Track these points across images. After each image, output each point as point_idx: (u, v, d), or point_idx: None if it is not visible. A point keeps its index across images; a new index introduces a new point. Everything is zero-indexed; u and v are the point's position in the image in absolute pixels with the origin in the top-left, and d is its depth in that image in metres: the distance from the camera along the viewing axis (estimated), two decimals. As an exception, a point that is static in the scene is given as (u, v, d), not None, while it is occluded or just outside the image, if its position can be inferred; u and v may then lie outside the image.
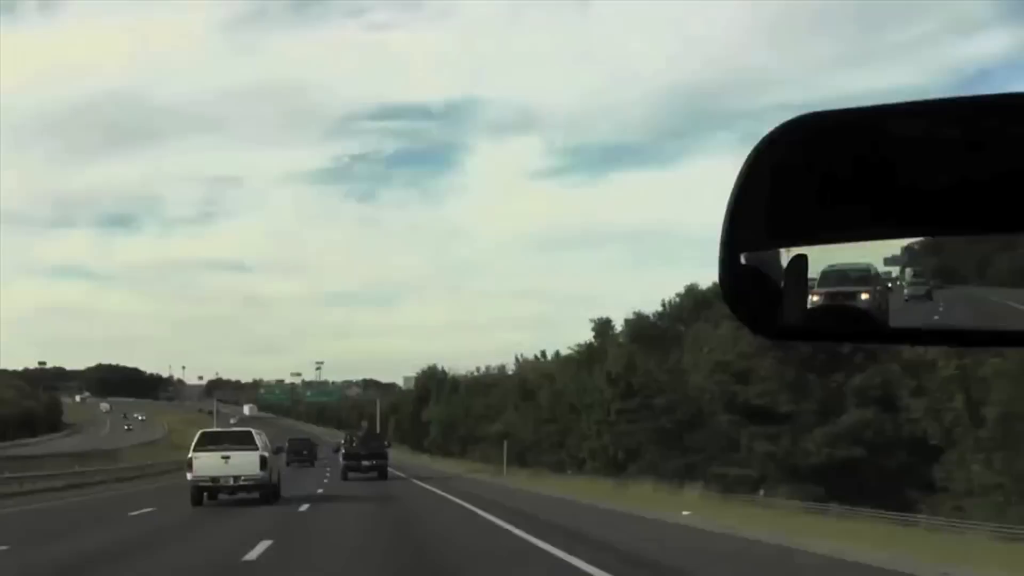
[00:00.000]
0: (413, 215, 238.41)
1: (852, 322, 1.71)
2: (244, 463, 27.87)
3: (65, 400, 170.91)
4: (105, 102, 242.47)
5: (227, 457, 27.83)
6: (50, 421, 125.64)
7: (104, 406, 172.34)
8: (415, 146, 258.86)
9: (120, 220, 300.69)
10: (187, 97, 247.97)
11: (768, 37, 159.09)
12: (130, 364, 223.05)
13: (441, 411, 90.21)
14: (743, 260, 1.58)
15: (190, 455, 28.33)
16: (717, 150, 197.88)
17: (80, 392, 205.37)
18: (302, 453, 67.41)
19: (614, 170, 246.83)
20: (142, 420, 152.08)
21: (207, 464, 27.75)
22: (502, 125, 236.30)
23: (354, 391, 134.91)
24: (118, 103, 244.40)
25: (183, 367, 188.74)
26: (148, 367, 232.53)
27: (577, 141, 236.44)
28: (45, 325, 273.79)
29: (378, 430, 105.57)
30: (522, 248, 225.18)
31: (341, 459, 46.98)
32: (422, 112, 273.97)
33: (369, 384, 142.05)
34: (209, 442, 28.66)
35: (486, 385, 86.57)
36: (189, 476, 28.14)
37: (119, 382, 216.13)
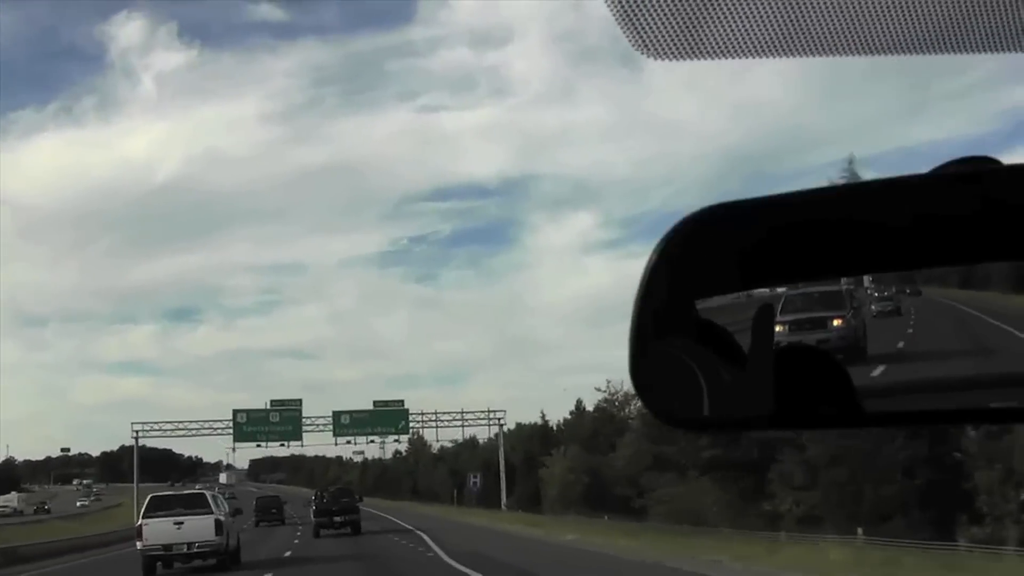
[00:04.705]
0: (473, 294, 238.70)
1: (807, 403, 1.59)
2: (198, 528, 26.16)
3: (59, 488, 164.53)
4: (162, 197, 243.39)
5: (180, 523, 26.09)
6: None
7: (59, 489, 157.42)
8: (472, 225, 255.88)
9: (180, 313, 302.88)
10: (244, 187, 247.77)
11: (818, 96, 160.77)
12: (162, 448, 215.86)
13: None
14: (656, 345, 1.55)
15: (140, 522, 26.65)
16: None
17: (87, 478, 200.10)
18: (271, 512, 65.53)
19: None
20: (97, 499, 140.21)
21: (158, 531, 26.10)
22: (558, 199, 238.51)
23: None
24: (175, 197, 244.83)
25: (233, 451, 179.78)
26: (202, 454, 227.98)
27: (634, 211, 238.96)
28: (96, 416, 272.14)
29: (503, 478, 69.36)
30: (584, 321, 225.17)
31: (312, 516, 46.56)
32: (478, 191, 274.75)
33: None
34: (159, 507, 26.84)
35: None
36: (139, 545, 26.51)
37: (146, 466, 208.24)
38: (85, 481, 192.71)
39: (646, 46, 1.59)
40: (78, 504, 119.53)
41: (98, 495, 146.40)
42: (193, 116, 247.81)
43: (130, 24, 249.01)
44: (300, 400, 71.20)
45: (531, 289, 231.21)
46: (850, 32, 1.62)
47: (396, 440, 79.34)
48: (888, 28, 1.61)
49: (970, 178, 1.47)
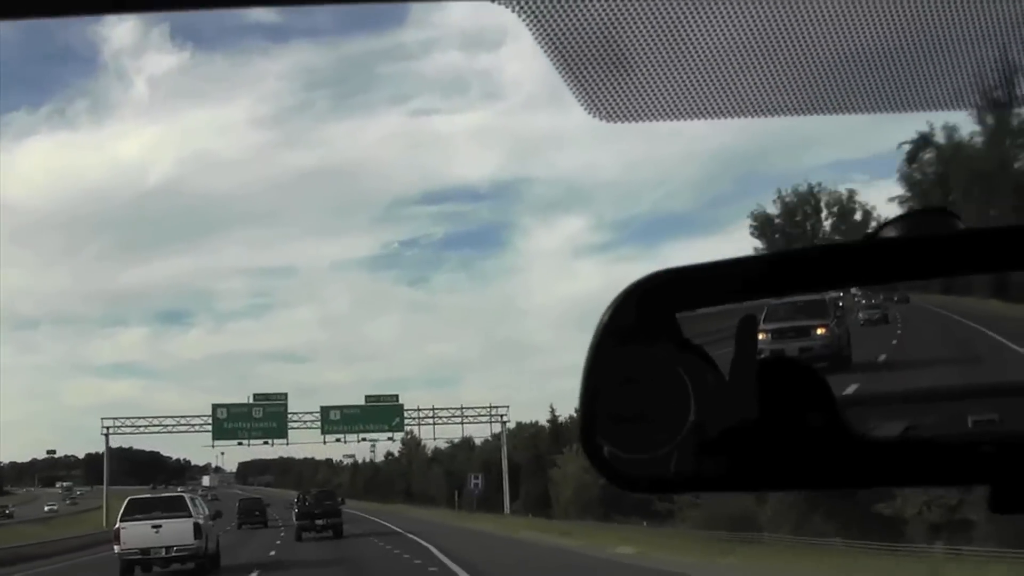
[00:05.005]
0: (465, 297, 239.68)
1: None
2: (176, 532, 25.72)
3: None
4: (154, 200, 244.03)
5: (158, 526, 25.64)
6: None
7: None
8: (464, 228, 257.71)
9: (171, 316, 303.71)
10: (236, 190, 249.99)
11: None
12: (149, 449, 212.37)
13: None
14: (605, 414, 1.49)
15: (117, 525, 26.20)
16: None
17: (72, 480, 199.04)
18: (254, 514, 63.97)
19: (663, 240, 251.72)
20: (74, 503, 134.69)
21: (136, 534, 25.64)
22: (550, 203, 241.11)
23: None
24: (167, 200, 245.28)
25: (222, 453, 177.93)
26: (191, 456, 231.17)
27: (624, 214, 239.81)
28: (85, 418, 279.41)
29: (505, 479, 65.44)
30: (575, 324, 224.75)
31: (294, 519, 46.67)
32: (470, 194, 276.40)
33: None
34: (137, 510, 26.36)
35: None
36: (116, 549, 25.97)
37: (132, 468, 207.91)
38: (66, 483, 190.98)
39: (598, 110, 1.64)
40: (46, 508, 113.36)
41: (75, 500, 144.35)
42: (185, 119, 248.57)
43: (122, 26, 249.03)
44: (285, 395, 64.82)
45: (523, 292, 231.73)
46: (797, 93, 1.70)
47: (390, 438, 71.09)
48: (842, 89, 1.69)
49: (914, 242, 1.48)
